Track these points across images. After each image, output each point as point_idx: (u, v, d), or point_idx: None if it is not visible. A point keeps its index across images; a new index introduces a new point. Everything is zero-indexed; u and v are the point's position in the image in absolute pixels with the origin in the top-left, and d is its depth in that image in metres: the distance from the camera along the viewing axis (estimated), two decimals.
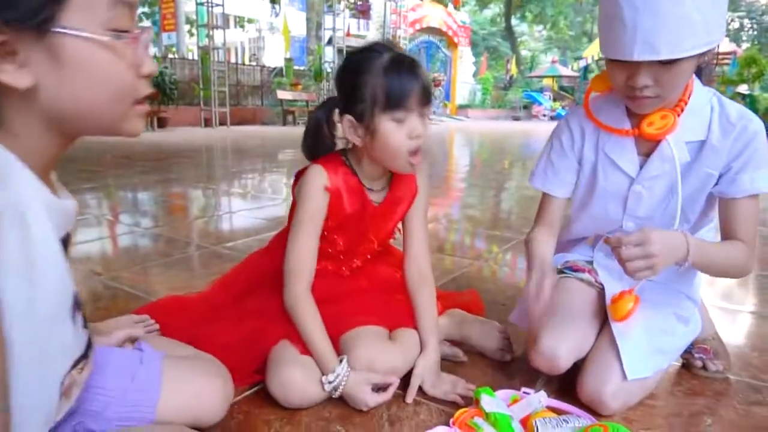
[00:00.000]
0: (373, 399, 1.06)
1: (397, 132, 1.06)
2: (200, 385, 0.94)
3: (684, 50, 0.93)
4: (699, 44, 0.94)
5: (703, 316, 1.27)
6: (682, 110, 1.06)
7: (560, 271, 1.26)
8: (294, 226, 1.16)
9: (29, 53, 0.55)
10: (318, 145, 1.18)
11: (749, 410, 1.11)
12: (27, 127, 0.58)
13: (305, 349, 1.11)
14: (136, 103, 0.64)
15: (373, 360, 1.10)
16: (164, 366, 0.92)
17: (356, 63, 1.08)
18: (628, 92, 1.03)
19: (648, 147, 1.12)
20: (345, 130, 1.11)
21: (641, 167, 1.13)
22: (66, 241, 0.67)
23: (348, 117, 1.09)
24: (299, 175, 1.19)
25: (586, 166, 1.20)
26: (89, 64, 0.58)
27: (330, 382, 1.06)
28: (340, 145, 1.20)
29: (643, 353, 1.08)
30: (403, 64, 1.06)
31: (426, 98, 1.08)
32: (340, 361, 1.08)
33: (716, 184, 1.09)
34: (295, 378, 1.05)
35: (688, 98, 1.07)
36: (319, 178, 1.14)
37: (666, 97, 1.03)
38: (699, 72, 1.10)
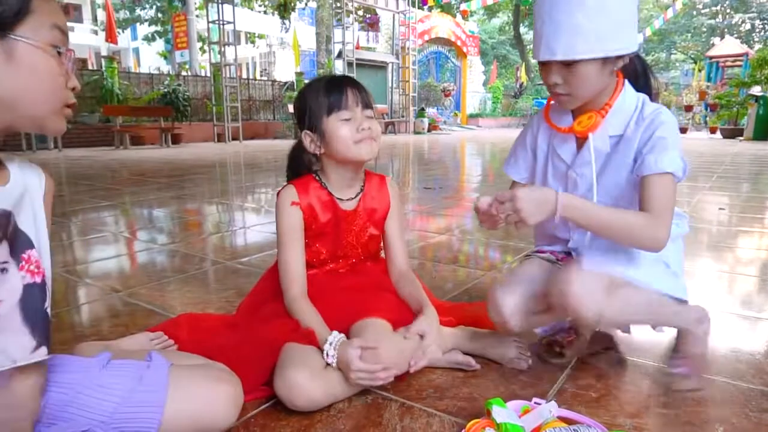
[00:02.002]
0: (357, 364, 1.11)
1: (345, 127, 1.26)
2: (209, 391, 0.96)
3: (577, 53, 1.10)
4: (592, 50, 1.10)
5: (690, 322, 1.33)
6: (607, 112, 1.22)
7: (527, 256, 1.43)
8: (278, 242, 1.34)
9: None
10: (298, 169, 1.39)
11: (762, 418, 1.11)
12: None
13: (311, 339, 1.18)
14: (65, 106, 0.81)
15: (378, 341, 1.15)
16: (173, 373, 0.95)
17: (303, 92, 1.32)
18: (549, 90, 1.21)
19: (583, 142, 1.28)
20: (307, 144, 1.31)
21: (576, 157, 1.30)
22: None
23: (306, 132, 1.31)
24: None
25: (540, 155, 1.37)
26: (34, 64, 0.75)
27: (330, 344, 1.15)
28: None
29: (607, 262, 1.20)
30: (340, 78, 1.30)
31: (365, 102, 1.29)
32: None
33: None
34: (300, 380, 1.09)
35: (614, 101, 1.21)
36: (288, 195, 1.33)
37: (577, 96, 1.18)
38: (636, 79, 1.26)
